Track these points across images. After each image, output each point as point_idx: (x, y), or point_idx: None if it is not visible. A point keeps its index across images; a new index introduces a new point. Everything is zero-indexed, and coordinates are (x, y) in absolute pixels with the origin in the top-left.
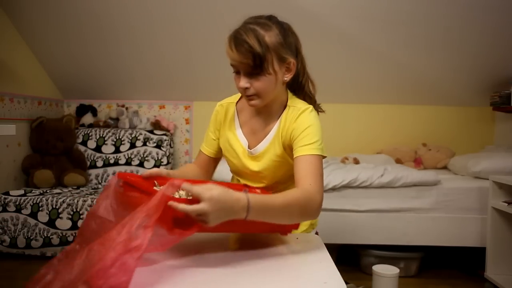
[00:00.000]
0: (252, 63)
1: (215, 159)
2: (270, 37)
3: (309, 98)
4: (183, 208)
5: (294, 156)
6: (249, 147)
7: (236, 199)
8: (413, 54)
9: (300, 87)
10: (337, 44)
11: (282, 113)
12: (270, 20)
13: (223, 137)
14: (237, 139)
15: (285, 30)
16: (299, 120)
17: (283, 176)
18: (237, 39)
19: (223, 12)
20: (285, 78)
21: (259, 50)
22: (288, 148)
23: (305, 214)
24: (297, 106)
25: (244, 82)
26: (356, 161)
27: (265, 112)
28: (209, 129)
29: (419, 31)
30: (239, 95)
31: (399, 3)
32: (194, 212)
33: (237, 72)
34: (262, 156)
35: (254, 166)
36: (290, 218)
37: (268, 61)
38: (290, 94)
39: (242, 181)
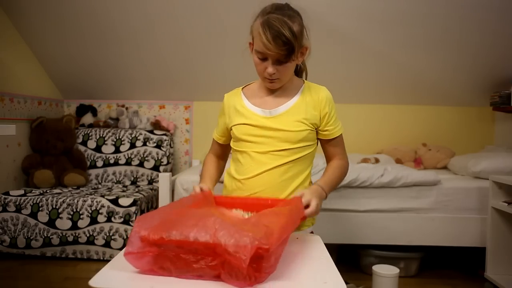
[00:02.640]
0: (285, 54)
1: (228, 146)
2: (296, 27)
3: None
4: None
5: (331, 137)
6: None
7: (315, 188)
8: (413, 54)
9: (306, 72)
10: (336, 44)
11: (300, 88)
12: (292, 10)
13: (234, 112)
14: (248, 109)
15: (302, 18)
16: (328, 100)
17: (299, 138)
18: (274, 31)
19: (223, 12)
20: (299, 62)
21: (293, 43)
22: (314, 118)
23: (343, 179)
24: (313, 84)
25: (272, 69)
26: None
27: (278, 91)
28: (219, 116)
29: (418, 31)
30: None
31: (398, 2)
32: (306, 202)
33: (263, 59)
34: (282, 117)
35: (273, 123)
36: (339, 184)
37: (296, 52)
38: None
39: (254, 148)
